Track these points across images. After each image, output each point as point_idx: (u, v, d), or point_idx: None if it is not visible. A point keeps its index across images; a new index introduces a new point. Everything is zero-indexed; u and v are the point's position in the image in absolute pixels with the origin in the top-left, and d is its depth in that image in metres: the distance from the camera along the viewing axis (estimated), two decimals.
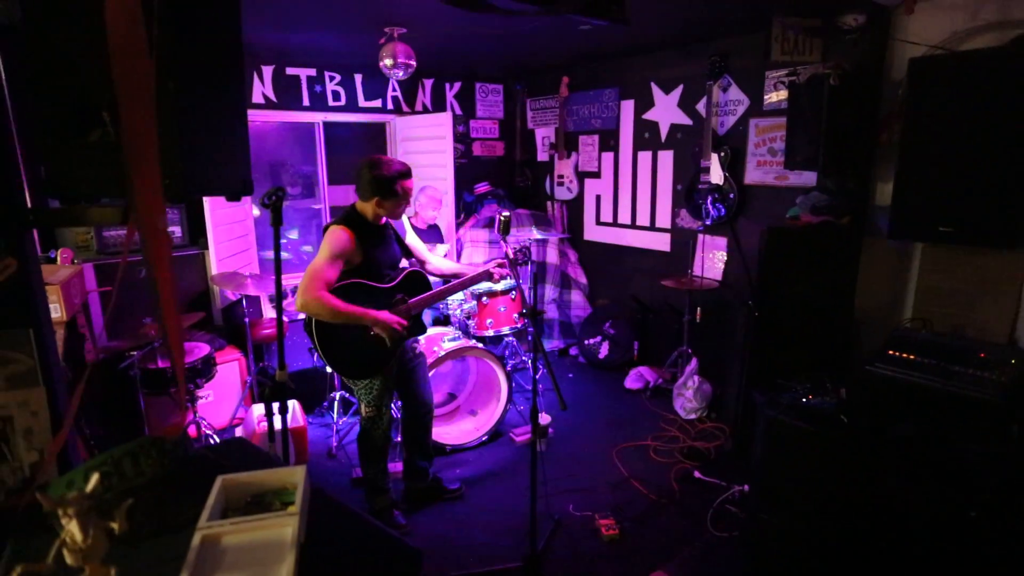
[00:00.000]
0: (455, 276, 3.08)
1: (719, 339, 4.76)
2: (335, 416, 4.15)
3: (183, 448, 1.52)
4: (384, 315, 2.67)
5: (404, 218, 3.04)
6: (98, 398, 3.58)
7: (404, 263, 3.02)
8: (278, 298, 2.15)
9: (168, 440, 1.47)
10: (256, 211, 5.10)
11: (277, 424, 3.14)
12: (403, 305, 2.83)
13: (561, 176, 6.00)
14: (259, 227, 5.02)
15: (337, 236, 2.66)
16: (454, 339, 3.83)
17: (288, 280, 5.20)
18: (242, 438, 1.95)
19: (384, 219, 2.84)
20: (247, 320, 4.12)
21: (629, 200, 5.48)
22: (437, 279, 3.31)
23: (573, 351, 5.88)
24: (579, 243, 6.07)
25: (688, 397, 4.45)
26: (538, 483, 3.09)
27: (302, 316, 2.88)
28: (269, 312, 4.95)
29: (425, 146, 5.51)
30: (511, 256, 2.72)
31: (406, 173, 2.75)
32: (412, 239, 3.08)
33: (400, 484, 3.41)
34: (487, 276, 3.01)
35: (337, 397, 4.19)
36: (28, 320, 1.65)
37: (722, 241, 4.69)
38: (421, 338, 3.43)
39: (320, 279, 2.56)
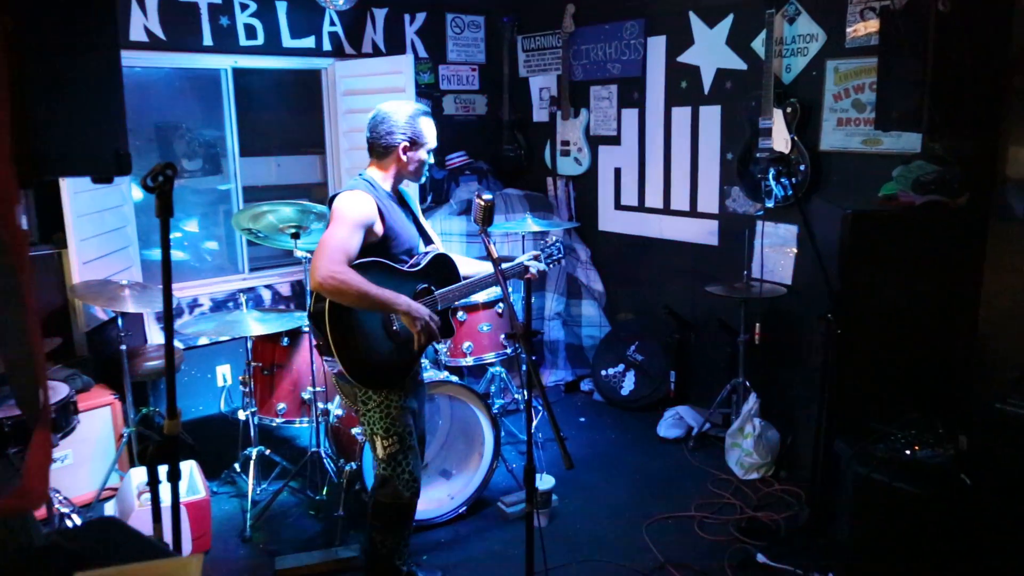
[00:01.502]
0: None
1: (787, 367, 4.75)
2: (251, 481, 4.12)
3: (27, 534, 1.49)
4: (417, 305, 2.85)
5: (415, 193, 3.21)
6: None
7: (423, 247, 3.18)
8: (167, 316, 2.11)
9: (4, 523, 1.44)
10: (137, 194, 5.06)
11: (166, 496, 3.12)
12: (428, 296, 3.01)
13: (566, 142, 6.00)
14: (141, 217, 4.98)
15: (359, 199, 2.85)
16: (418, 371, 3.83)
17: (187, 290, 5.17)
18: (114, 517, 1.92)
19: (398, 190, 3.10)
20: (124, 348, 4.08)
21: (660, 175, 5.49)
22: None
23: (586, 385, 5.88)
24: (592, 235, 6.07)
25: (746, 448, 4.44)
26: (539, 574, 3.06)
27: (311, 308, 3.04)
28: (157, 336, 4.90)
29: (375, 101, 5.38)
30: (495, 256, 2.71)
31: (429, 112, 3.02)
32: (436, 236, 3.27)
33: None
34: (522, 273, 3.18)
35: (254, 455, 4.16)
36: None
37: (790, 230, 4.69)
38: (425, 360, 3.64)
39: (341, 250, 2.73)
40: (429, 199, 5.92)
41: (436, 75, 6.14)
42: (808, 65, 4.45)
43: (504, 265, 3.14)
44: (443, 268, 3.09)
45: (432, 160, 3.07)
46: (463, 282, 3.10)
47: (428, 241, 3.20)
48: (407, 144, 2.94)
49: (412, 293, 2.97)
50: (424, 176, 3.08)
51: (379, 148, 2.98)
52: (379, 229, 2.88)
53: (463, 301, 4.02)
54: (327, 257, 2.70)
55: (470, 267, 3.24)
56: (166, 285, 2.11)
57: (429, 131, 2.99)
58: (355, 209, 2.82)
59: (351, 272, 2.71)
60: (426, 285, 3.02)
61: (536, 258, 3.23)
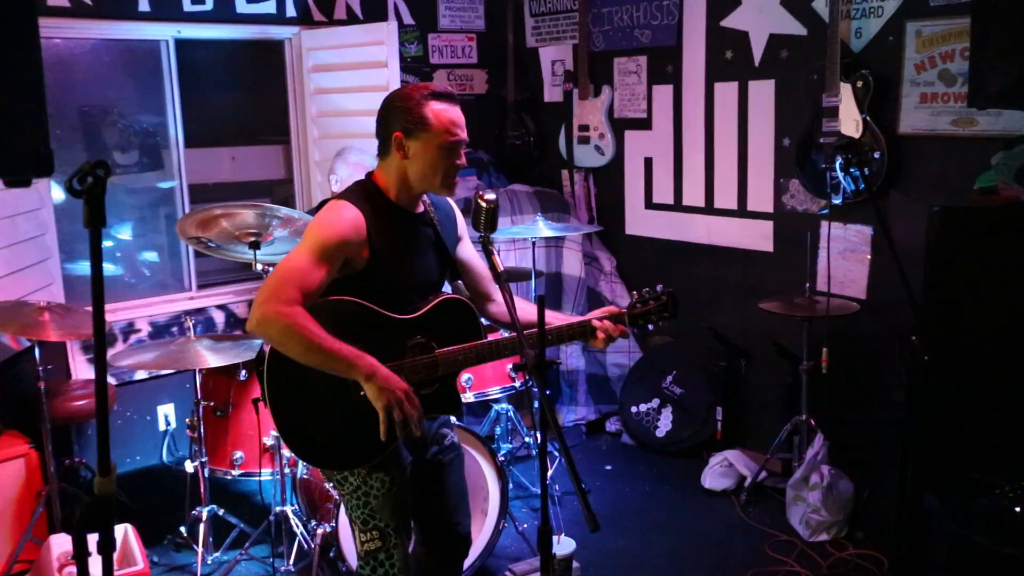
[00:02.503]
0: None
1: (862, 402, 4.71)
2: (201, 549, 4.10)
3: None
4: (388, 373, 2.59)
5: (458, 213, 2.97)
6: None
7: (446, 288, 2.98)
8: (99, 345, 2.10)
9: None
10: (59, 194, 5.06)
11: (96, 570, 3.09)
12: (424, 356, 2.76)
13: (585, 127, 6.01)
14: (64, 223, 4.98)
15: (334, 215, 2.68)
16: None
17: (121, 312, 5.17)
18: None
19: (421, 204, 2.87)
20: (42, 386, 4.07)
21: (701, 166, 5.48)
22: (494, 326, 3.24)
23: (612, 424, 5.87)
24: (618, 241, 6.07)
25: (813, 503, 4.41)
26: None
27: (262, 345, 2.82)
28: (84, 370, 4.89)
29: (351, 79, 5.50)
30: (500, 270, 2.68)
31: (443, 94, 2.75)
32: (469, 252, 2.98)
33: None
34: (585, 334, 2.87)
35: (205, 516, 4.14)
36: None
37: (862, 232, 4.68)
38: (453, 418, 3.31)
39: (295, 282, 2.55)
40: None
41: (425, 46, 6.15)
42: (883, 28, 4.45)
43: (554, 320, 2.91)
44: (455, 318, 2.85)
45: (460, 160, 2.77)
46: (476, 341, 2.80)
47: (458, 278, 2.96)
48: (400, 132, 2.71)
49: (400, 349, 2.75)
50: (452, 184, 2.79)
51: (379, 141, 2.79)
52: (360, 258, 2.69)
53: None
54: (272, 289, 2.53)
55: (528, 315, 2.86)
56: (97, 308, 2.09)
57: (440, 116, 2.71)
58: (326, 227, 2.64)
59: (301, 313, 2.50)
60: (422, 338, 2.78)
61: (619, 318, 2.85)
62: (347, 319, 2.67)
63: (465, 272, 3.03)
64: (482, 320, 2.97)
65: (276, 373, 2.68)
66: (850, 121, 4.46)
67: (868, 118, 4.43)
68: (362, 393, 2.60)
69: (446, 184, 2.77)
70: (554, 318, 2.92)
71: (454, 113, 2.74)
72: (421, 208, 2.87)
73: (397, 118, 2.72)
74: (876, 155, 4.42)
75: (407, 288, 2.80)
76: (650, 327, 2.92)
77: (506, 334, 2.85)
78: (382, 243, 2.71)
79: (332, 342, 2.52)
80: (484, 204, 2.66)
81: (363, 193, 2.77)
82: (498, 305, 3.03)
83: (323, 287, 2.62)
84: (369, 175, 2.85)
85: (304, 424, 2.73)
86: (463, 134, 2.75)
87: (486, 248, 2.71)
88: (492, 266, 2.71)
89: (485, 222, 2.69)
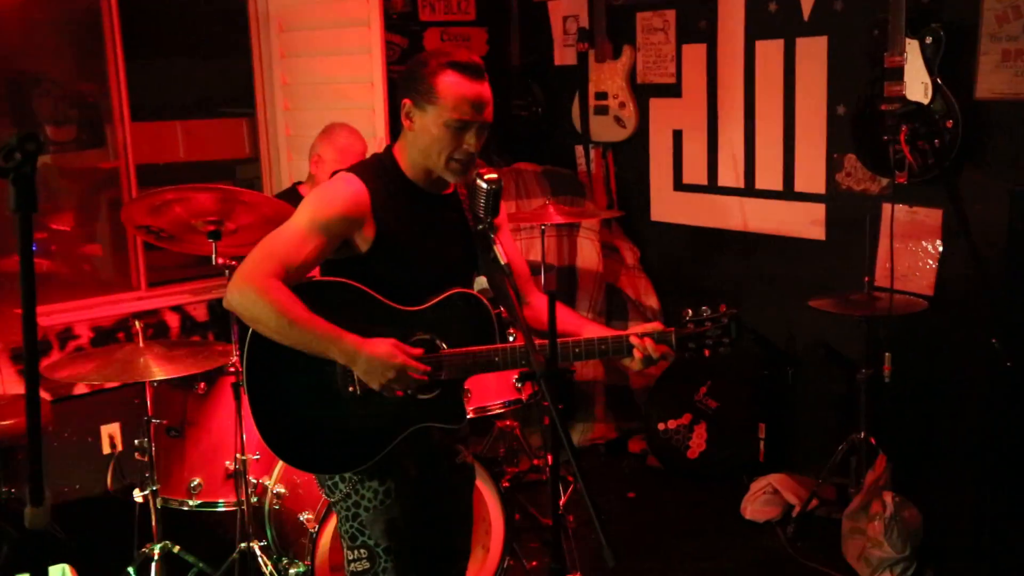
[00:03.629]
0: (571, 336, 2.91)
1: (932, 416, 4.70)
2: None
3: None
4: (377, 346, 2.66)
5: (486, 201, 2.97)
6: None
7: (483, 284, 2.96)
8: (30, 355, 2.09)
9: None
10: None
11: None
12: (426, 355, 2.79)
13: (603, 95, 5.99)
14: None
15: (332, 187, 2.77)
16: None
17: (57, 315, 5.13)
18: None
19: (451, 185, 2.90)
20: None
21: (740, 140, 5.47)
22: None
23: (636, 444, 5.86)
24: (642, 229, 6.05)
25: (874, 536, 4.40)
26: None
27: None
28: (12, 384, 4.87)
29: (328, 41, 5.48)
30: (504, 262, 2.66)
31: (464, 65, 2.75)
32: (512, 247, 3.00)
33: None
34: (620, 351, 2.83)
35: (157, 553, 4.13)
36: None
37: (932, 216, 4.66)
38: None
39: (278, 257, 2.65)
40: None
41: (414, 0, 6.12)
42: None
43: (583, 330, 2.88)
44: (467, 316, 2.84)
45: (471, 145, 2.74)
46: (488, 346, 2.79)
47: (498, 273, 2.87)
48: (408, 100, 2.75)
49: (405, 340, 2.77)
50: (458, 168, 2.77)
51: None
52: (364, 239, 2.74)
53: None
54: (251, 261, 2.65)
55: (575, 321, 2.94)
56: (28, 310, 2.08)
57: (452, 90, 2.70)
58: (321, 199, 2.73)
59: (277, 287, 2.61)
60: (428, 335, 2.81)
61: (665, 337, 2.78)
62: (340, 304, 2.73)
63: (494, 268, 2.99)
64: (501, 319, 2.97)
65: (255, 357, 2.74)
66: (917, 84, 4.43)
67: (939, 80, 4.39)
68: (351, 388, 2.72)
69: (449, 167, 2.76)
70: (577, 324, 2.93)
71: (469, 89, 2.71)
72: (449, 190, 2.89)
73: (409, 83, 2.76)
74: (948, 125, 4.38)
75: (421, 279, 2.81)
76: (706, 352, 2.80)
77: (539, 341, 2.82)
78: (390, 224, 2.75)
79: (308, 319, 2.61)
80: (485, 184, 2.69)
81: (375, 167, 2.82)
82: (533, 310, 3.02)
83: (311, 265, 2.70)
84: (388, 147, 2.88)
85: (286, 417, 2.78)
86: (480, 116, 2.73)
87: (486, 238, 2.74)
88: (495, 258, 2.71)
89: (486, 205, 2.71)
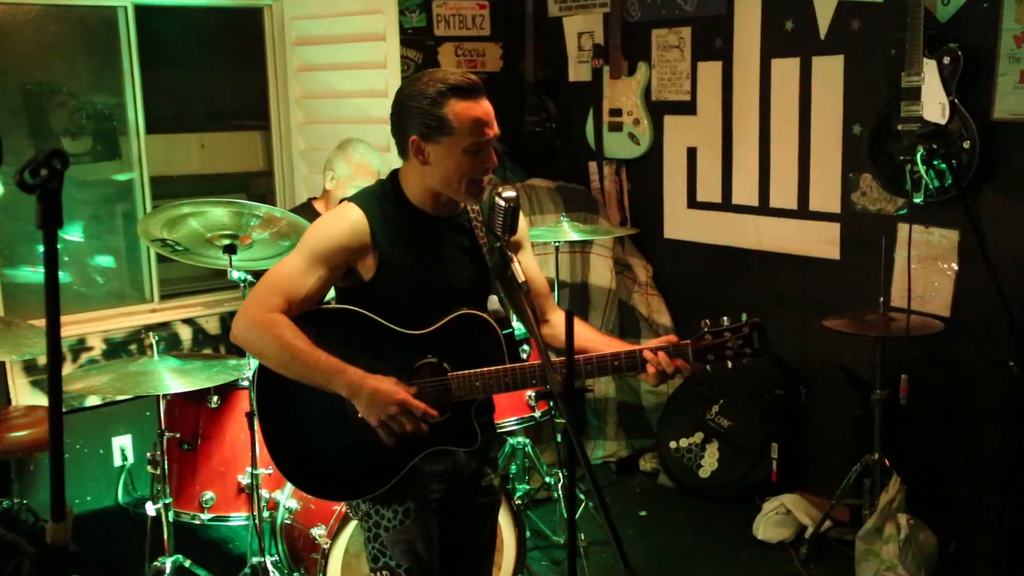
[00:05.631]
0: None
1: (948, 438, 4.68)
2: None
3: None
4: (377, 383, 2.65)
5: (521, 219, 2.94)
6: None
7: (495, 304, 2.91)
8: (53, 367, 2.09)
9: None
10: None
11: None
12: (434, 379, 2.79)
13: (617, 112, 6.00)
14: (3, 220, 4.98)
15: (332, 218, 2.79)
16: None
17: (70, 327, 5.14)
18: None
19: (460, 204, 2.88)
20: None
21: (755, 158, 5.46)
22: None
23: (647, 462, 5.86)
24: (655, 246, 6.04)
25: (888, 558, 4.38)
26: None
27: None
28: (27, 395, 4.89)
29: (343, 55, 5.50)
30: (521, 280, 2.65)
31: (465, 88, 2.73)
32: (526, 263, 2.93)
33: None
34: (634, 366, 2.80)
35: (169, 568, 4.12)
36: None
37: (948, 237, 4.65)
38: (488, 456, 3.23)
39: (279, 290, 2.70)
40: None
41: (429, 15, 6.14)
42: None
43: (596, 345, 2.85)
44: (474, 337, 2.83)
45: (490, 161, 2.75)
46: (506, 366, 2.77)
47: (513, 294, 2.85)
48: (417, 137, 2.71)
49: (409, 368, 2.78)
50: (478, 190, 2.77)
51: (396, 142, 2.81)
52: (368, 264, 2.75)
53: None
54: (255, 295, 2.72)
55: (595, 340, 2.90)
56: (51, 323, 2.09)
57: (463, 116, 2.70)
58: (320, 230, 2.76)
59: (280, 321, 2.65)
60: (434, 360, 2.80)
61: (681, 350, 2.75)
62: (346, 331, 2.75)
63: (511, 290, 2.95)
64: (514, 339, 2.95)
65: (266, 387, 2.78)
66: (935, 104, 4.43)
67: (956, 101, 4.38)
68: (361, 415, 2.69)
69: (471, 192, 2.76)
70: (594, 341, 2.91)
71: (479, 110, 2.72)
72: (456, 211, 2.87)
73: (412, 120, 2.72)
74: (966, 145, 4.37)
75: (427, 303, 2.80)
76: (728, 364, 2.77)
77: (554, 358, 2.81)
78: (393, 251, 2.75)
79: (311, 353, 2.63)
80: (503, 203, 2.70)
81: (377, 195, 2.83)
82: (552, 327, 3.00)
83: (315, 296, 2.73)
84: (393, 173, 2.87)
85: (298, 446, 2.81)
86: (492, 131, 2.74)
87: (504, 256, 2.73)
88: (512, 276, 2.72)
89: (504, 223, 2.73)
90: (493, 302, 3.01)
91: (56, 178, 1.84)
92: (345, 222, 2.73)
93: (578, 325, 2.84)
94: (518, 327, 4.19)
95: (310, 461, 2.84)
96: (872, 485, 4.66)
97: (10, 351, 3.89)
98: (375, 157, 4.67)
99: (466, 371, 2.77)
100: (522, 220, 2.99)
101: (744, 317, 2.78)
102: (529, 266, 2.97)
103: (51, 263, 1.97)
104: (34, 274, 5.26)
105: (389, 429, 2.66)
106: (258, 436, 3.95)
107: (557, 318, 3.03)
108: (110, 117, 5.66)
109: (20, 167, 1.81)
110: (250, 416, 3.93)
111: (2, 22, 5.26)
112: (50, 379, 1.98)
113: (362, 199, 2.81)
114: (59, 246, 5.61)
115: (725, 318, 2.76)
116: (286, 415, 2.81)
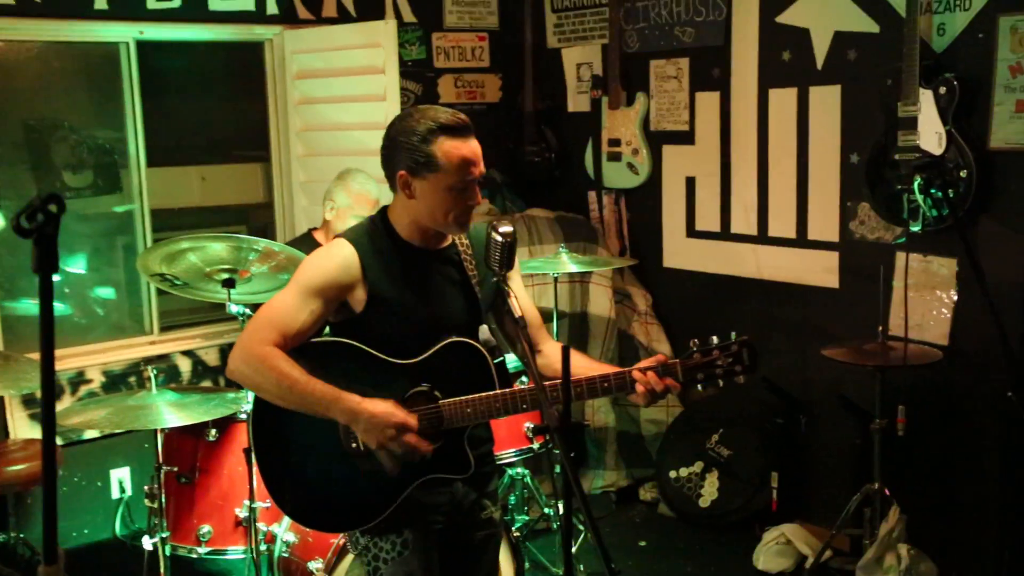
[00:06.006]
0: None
1: (948, 468, 4.66)
2: None
3: None
4: (374, 407, 2.69)
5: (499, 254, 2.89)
6: None
7: (485, 334, 2.96)
8: (47, 401, 2.09)
9: None
10: None
11: None
12: (425, 407, 2.81)
13: (616, 142, 6.01)
14: (3, 254, 4.99)
15: (323, 253, 2.86)
16: None
17: (69, 360, 5.14)
18: None
19: (449, 237, 2.95)
20: None
21: (753, 187, 5.47)
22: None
23: (647, 492, 5.84)
24: (654, 275, 6.05)
25: None
26: None
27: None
28: (25, 429, 4.88)
29: (342, 87, 5.52)
30: (519, 315, 2.67)
31: (454, 127, 2.78)
32: (522, 295, 2.94)
33: None
34: (624, 387, 2.81)
35: None
36: None
37: (946, 266, 4.65)
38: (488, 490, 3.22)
39: (273, 324, 2.76)
40: None
41: (428, 48, 6.17)
42: (971, 24, 4.43)
43: (585, 370, 2.84)
44: (463, 365, 2.86)
45: (475, 200, 2.82)
46: (496, 392, 2.79)
47: (503, 326, 2.92)
48: (404, 172, 2.77)
49: (400, 397, 2.80)
50: (465, 222, 2.84)
51: (386, 176, 2.87)
52: (359, 297, 2.80)
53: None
54: (250, 331, 2.77)
55: (587, 366, 2.89)
56: (46, 359, 2.09)
57: (451, 155, 2.74)
58: (311, 266, 2.83)
59: (275, 354, 2.70)
60: (426, 387, 2.83)
61: (670, 369, 2.75)
62: (339, 363, 2.80)
63: (500, 322, 3.02)
64: (505, 367, 2.96)
65: (261, 421, 2.84)
66: (931, 134, 4.44)
67: (953, 130, 4.40)
68: (354, 444, 2.77)
69: (458, 223, 2.83)
70: (586, 367, 2.91)
71: (467, 149, 2.77)
72: (446, 243, 2.93)
73: (401, 156, 2.78)
74: (962, 174, 4.38)
75: (417, 334, 2.84)
76: (719, 383, 2.76)
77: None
78: (382, 285, 2.81)
79: (307, 383, 2.69)
80: (499, 238, 2.71)
81: (368, 230, 2.89)
82: (545, 357, 3.01)
83: (308, 330, 2.79)
84: (383, 209, 2.94)
85: (293, 478, 2.85)
86: (477, 171, 2.79)
87: (501, 291, 2.77)
88: (508, 311, 2.73)
89: (500, 258, 2.73)
90: (484, 331, 3.03)
91: (52, 223, 1.84)
92: (336, 257, 2.79)
93: (574, 356, 2.82)
94: (512, 360, 4.20)
95: (306, 493, 2.86)
96: (872, 515, 4.63)
97: (8, 386, 3.89)
98: (374, 187, 4.67)
99: (457, 398, 2.79)
100: (517, 271, 3.02)
101: (733, 336, 2.76)
102: (520, 297, 2.96)
103: (47, 306, 1.97)
104: (34, 307, 5.21)
105: (390, 452, 2.69)
106: (255, 469, 3.95)
107: (550, 348, 3.05)
108: (111, 151, 5.66)
109: (17, 212, 1.82)
110: (247, 452, 3.93)
111: (5, 58, 5.28)
112: (44, 424, 1.97)
113: (353, 234, 2.88)
114: (59, 278, 5.64)
115: (714, 337, 2.76)
116: (281, 448, 2.84)
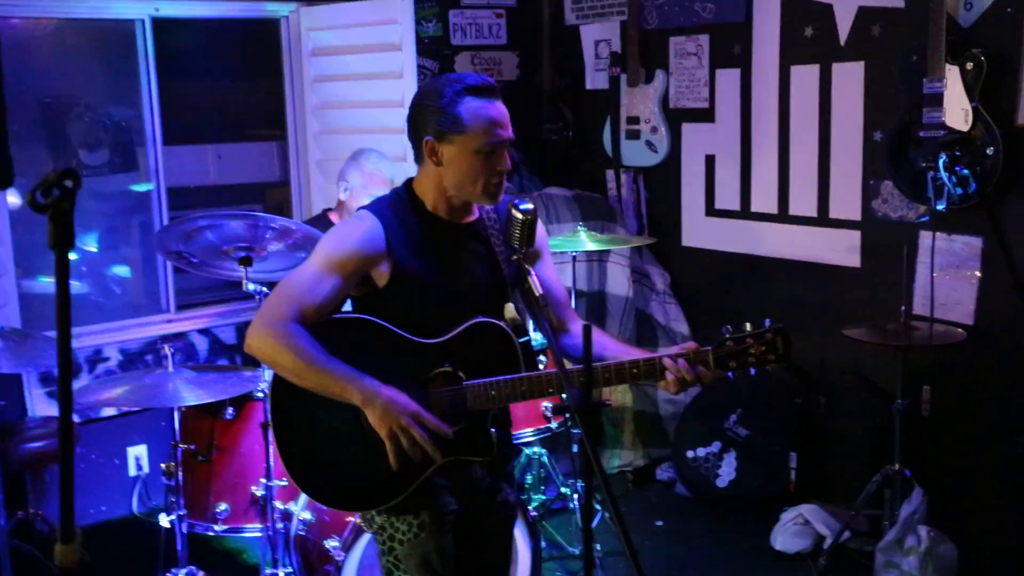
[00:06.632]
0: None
1: (970, 449, 4.65)
2: None
3: None
4: (390, 394, 2.65)
5: (540, 228, 2.90)
6: None
7: (511, 312, 3.00)
8: (64, 379, 2.08)
9: None
10: (14, 199, 5.09)
11: None
12: (448, 388, 2.79)
13: (635, 119, 5.99)
14: (20, 232, 5.00)
15: (347, 225, 2.84)
16: None
17: (86, 338, 5.18)
18: None
19: (476, 211, 2.91)
20: None
21: (774, 165, 5.45)
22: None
23: (664, 472, 5.84)
24: (673, 254, 6.04)
25: (908, 570, 4.35)
26: None
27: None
28: (44, 406, 4.91)
29: (359, 65, 5.52)
30: (538, 294, 2.64)
31: (480, 88, 2.75)
32: (545, 272, 2.95)
33: None
34: (653, 373, 2.76)
35: None
36: None
37: (971, 244, 4.63)
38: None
39: (293, 299, 2.70)
40: None
41: (446, 24, 6.16)
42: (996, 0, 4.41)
43: (615, 354, 2.80)
44: (489, 346, 2.82)
45: (503, 165, 2.75)
46: (522, 375, 2.75)
47: (533, 302, 2.82)
48: (432, 136, 2.72)
49: (423, 378, 2.79)
50: (495, 191, 2.77)
51: (412, 145, 2.82)
52: (383, 271, 2.75)
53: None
54: (269, 305, 2.71)
55: (614, 348, 2.86)
56: (63, 337, 2.08)
57: (478, 115, 2.71)
58: (335, 238, 2.77)
59: (294, 331, 2.64)
60: (449, 368, 2.79)
61: (702, 357, 2.70)
62: (361, 340, 2.75)
63: (529, 297, 2.93)
64: (530, 347, 2.94)
65: (280, 398, 2.79)
66: (957, 111, 4.40)
67: (979, 107, 4.36)
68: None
69: (487, 192, 2.76)
70: (617, 351, 2.87)
71: (494, 110, 2.73)
72: (473, 217, 2.88)
73: (427, 120, 2.73)
74: (989, 151, 4.35)
75: (442, 311, 2.80)
76: (751, 371, 2.71)
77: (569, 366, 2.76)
78: (408, 258, 2.75)
79: (325, 362, 2.63)
80: (520, 216, 2.68)
81: (392, 202, 2.83)
82: (574, 338, 2.95)
83: (330, 305, 2.72)
84: (408, 181, 2.88)
85: (311, 456, 2.81)
86: (506, 133, 2.75)
87: (522, 268, 2.74)
88: (528, 289, 2.71)
89: (521, 236, 2.70)
90: (510, 310, 3.01)
91: (68, 198, 1.82)
92: (359, 229, 2.74)
93: (598, 335, 2.83)
94: (536, 337, 4.19)
95: (324, 471, 2.83)
96: (892, 496, 4.62)
97: (26, 363, 3.90)
98: (387, 166, 4.66)
99: (481, 380, 2.76)
100: (541, 230, 2.96)
101: (767, 323, 2.71)
102: (548, 276, 2.96)
103: (63, 284, 1.96)
104: (51, 285, 5.27)
105: (397, 444, 2.62)
106: (272, 447, 3.95)
107: (578, 329, 2.99)
108: (127, 129, 5.68)
109: (32, 188, 1.81)
110: (264, 427, 3.93)
111: (21, 36, 5.29)
112: (61, 404, 1.97)
113: (376, 206, 2.82)
114: (76, 257, 5.67)
115: (748, 324, 2.71)
116: (300, 425, 2.80)
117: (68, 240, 1.88)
